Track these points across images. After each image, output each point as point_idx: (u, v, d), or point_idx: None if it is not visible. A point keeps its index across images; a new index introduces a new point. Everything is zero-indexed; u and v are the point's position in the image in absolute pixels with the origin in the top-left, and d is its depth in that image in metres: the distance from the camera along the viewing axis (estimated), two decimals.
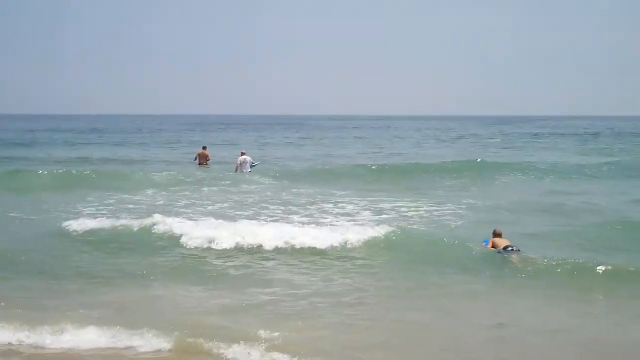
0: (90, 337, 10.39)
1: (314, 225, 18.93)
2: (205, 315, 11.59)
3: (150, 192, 26.99)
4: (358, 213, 21.75)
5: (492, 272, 14.60)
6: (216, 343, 10.02)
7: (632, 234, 17.75)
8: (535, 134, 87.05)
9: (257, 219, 20.15)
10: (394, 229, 17.75)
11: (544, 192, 27.44)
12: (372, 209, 22.33)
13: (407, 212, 21.84)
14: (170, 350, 10.01)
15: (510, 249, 15.34)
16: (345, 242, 16.43)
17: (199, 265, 15.33)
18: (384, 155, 47.45)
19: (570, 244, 17.00)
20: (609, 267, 13.95)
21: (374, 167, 35.92)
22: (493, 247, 15.69)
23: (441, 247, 16.34)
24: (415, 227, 19.12)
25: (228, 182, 29.83)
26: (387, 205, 22.93)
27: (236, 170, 33.33)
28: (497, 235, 15.98)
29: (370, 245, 16.35)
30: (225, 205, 23.33)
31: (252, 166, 33.76)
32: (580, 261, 14.49)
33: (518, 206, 22.91)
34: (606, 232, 18.11)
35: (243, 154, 34.79)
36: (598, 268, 13.96)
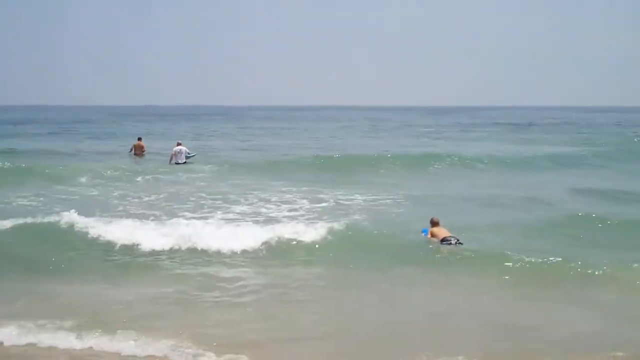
0: None
1: (252, 215, 18.78)
2: (122, 310, 11.29)
3: (84, 182, 26.47)
4: (295, 201, 21.65)
5: (430, 260, 14.60)
6: (131, 336, 9.83)
7: (567, 224, 18.04)
8: (472, 124, 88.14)
9: (194, 212, 19.93)
10: (332, 219, 17.69)
11: (477, 182, 27.79)
12: (309, 198, 22.22)
13: (344, 202, 21.83)
14: (87, 348, 9.71)
15: (447, 242, 15.36)
16: (282, 234, 16.14)
17: (122, 263, 14.76)
18: (322, 146, 47.35)
19: (506, 233, 17.17)
20: (541, 258, 14.04)
21: (311, 158, 35.79)
22: (432, 236, 15.74)
23: (380, 236, 16.31)
24: (354, 217, 19.09)
25: (163, 173, 29.45)
26: (324, 196, 22.84)
27: (170, 161, 32.77)
28: (434, 223, 16.00)
29: (308, 236, 16.12)
30: (160, 196, 22.91)
31: (187, 157, 33.24)
32: (511, 251, 14.50)
33: (453, 196, 23.13)
34: (541, 223, 18.37)
35: (179, 144, 34.13)
36: (529, 258, 14.03)
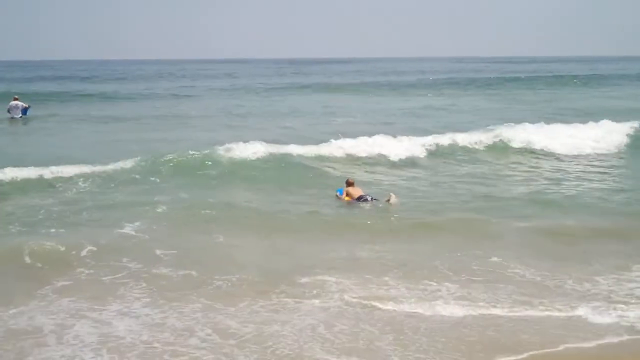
0: None
1: None
2: None
3: None
4: None
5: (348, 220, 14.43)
6: None
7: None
8: None
9: None
10: None
11: None
12: None
13: None
14: None
15: (364, 198, 15.44)
16: None
17: None
18: None
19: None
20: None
21: None
22: (347, 195, 15.71)
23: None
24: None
25: None
26: None
27: (8, 113, 32.86)
28: (349, 184, 16.02)
29: None
30: None
31: (24, 111, 33.13)
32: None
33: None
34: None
35: (15, 98, 33.96)
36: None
